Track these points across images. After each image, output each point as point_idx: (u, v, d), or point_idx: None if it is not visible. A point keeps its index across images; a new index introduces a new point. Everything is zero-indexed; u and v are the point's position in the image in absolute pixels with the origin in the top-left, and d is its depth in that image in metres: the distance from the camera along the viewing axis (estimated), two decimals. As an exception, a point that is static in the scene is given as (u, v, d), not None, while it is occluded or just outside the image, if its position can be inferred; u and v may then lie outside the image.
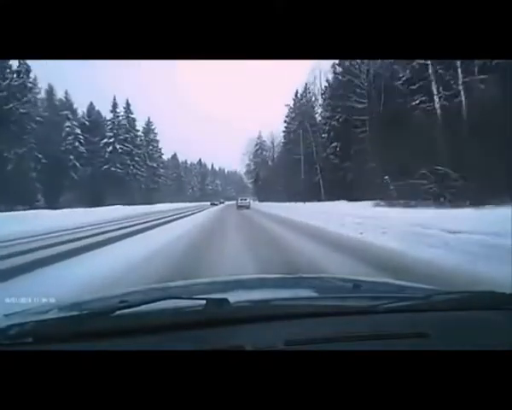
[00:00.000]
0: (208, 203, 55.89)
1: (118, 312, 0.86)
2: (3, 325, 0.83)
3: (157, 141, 65.93)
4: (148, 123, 64.84)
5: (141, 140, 59.75)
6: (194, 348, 0.74)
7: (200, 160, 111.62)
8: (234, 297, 0.96)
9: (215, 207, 36.77)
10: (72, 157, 49.43)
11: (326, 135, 33.34)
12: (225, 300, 0.89)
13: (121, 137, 52.86)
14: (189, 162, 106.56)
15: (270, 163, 63.70)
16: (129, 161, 53.49)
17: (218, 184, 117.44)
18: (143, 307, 0.89)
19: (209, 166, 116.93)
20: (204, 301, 0.87)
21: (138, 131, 59.33)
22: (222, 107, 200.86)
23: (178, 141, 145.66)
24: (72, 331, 0.81)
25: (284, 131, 52.21)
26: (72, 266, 5.00)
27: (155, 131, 65.81)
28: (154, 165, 62.33)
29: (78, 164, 49.96)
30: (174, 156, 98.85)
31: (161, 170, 66.35)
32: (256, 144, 67.21)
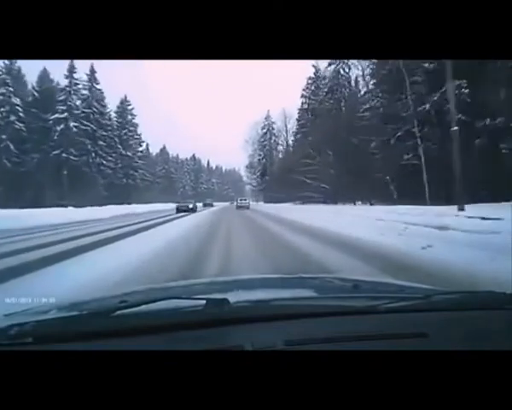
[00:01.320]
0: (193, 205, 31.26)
1: (118, 312, 0.85)
2: (3, 325, 0.82)
3: (135, 125, 51.50)
4: (125, 101, 50.62)
5: (109, 119, 45.22)
6: (194, 348, 0.73)
7: (193, 155, 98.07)
8: (234, 297, 0.95)
9: (190, 219, 16.00)
10: (4, 136, 35.01)
11: (432, 66, 16.93)
12: (225, 300, 0.88)
13: (78, 111, 38.74)
14: (180, 157, 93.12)
15: (283, 150, 49.65)
16: (90, 146, 39.25)
17: (214, 182, 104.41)
18: (143, 307, 0.88)
19: (204, 163, 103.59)
20: (204, 301, 0.87)
21: (106, 107, 44.95)
22: (221, 94, 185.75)
23: (169, 133, 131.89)
24: (72, 331, 0.81)
25: (301, 109, 38.79)
26: None
27: (133, 112, 51.60)
28: (130, 154, 47.72)
29: (13, 147, 35.58)
30: (163, 150, 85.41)
31: (139, 161, 50.37)
32: (263, 127, 52.70)
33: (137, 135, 51.27)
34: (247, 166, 55.56)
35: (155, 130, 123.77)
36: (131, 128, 49.67)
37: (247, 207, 28.34)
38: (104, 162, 40.98)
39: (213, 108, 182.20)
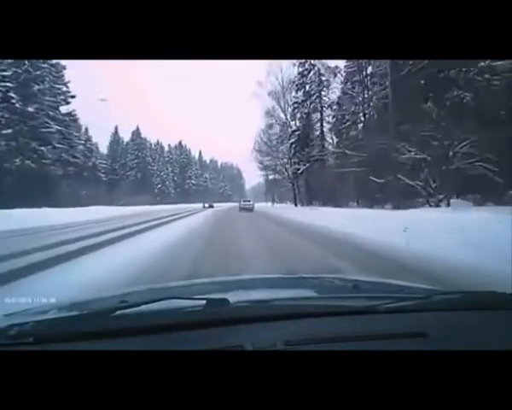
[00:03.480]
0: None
1: (118, 312, 0.86)
2: (3, 325, 0.82)
3: (58, 67, 29.64)
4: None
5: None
6: (194, 348, 0.74)
7: (180, 142, 75.97)
8: (234, 297, 0.95)
9: None
10: None
11: None
12: (225, 300, 0.88)
13: None
14: (163, 146, 71.08)
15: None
16: None
17: (207, 178, 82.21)
18: (143, 307, 0.88)
19: (195, 154, 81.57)
20: (204, 301, 0.87)
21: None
22: (218, 70, 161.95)
23: (147, 114, 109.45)
24: (72, 331, 0.82)
25: None
26: None
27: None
28: (31, 110, 25.44)
29: None
30: (137, 132, 63.08)
31: (57, 127, 27.50)
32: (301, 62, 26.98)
33: (61, 82, 29.22)
34: (256, 143, 30.44)
35: (129, 109, 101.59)
36: (43, 66, 27.55)
37: (251, 210, 26.43)
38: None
39: (209, 87, 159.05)
